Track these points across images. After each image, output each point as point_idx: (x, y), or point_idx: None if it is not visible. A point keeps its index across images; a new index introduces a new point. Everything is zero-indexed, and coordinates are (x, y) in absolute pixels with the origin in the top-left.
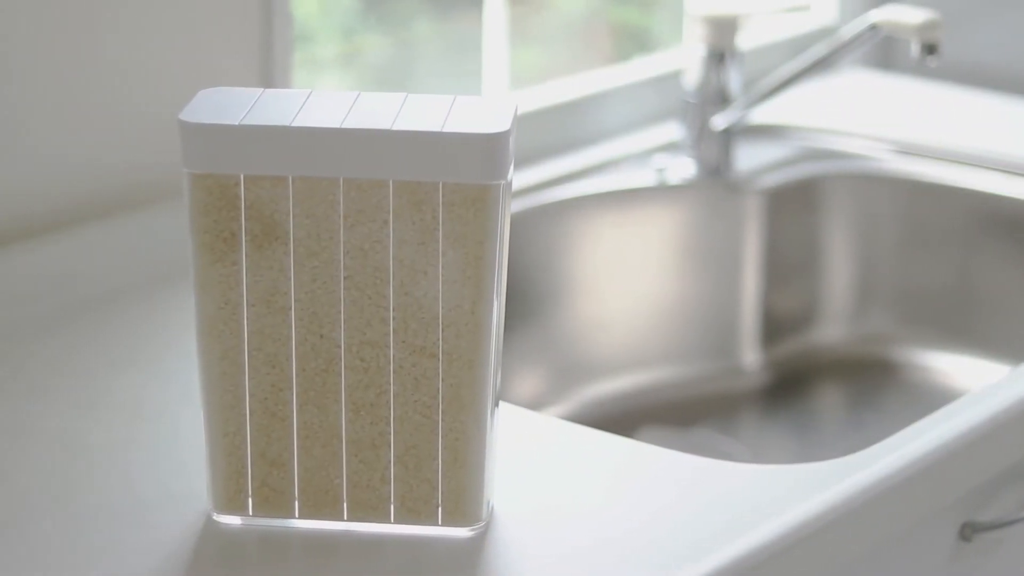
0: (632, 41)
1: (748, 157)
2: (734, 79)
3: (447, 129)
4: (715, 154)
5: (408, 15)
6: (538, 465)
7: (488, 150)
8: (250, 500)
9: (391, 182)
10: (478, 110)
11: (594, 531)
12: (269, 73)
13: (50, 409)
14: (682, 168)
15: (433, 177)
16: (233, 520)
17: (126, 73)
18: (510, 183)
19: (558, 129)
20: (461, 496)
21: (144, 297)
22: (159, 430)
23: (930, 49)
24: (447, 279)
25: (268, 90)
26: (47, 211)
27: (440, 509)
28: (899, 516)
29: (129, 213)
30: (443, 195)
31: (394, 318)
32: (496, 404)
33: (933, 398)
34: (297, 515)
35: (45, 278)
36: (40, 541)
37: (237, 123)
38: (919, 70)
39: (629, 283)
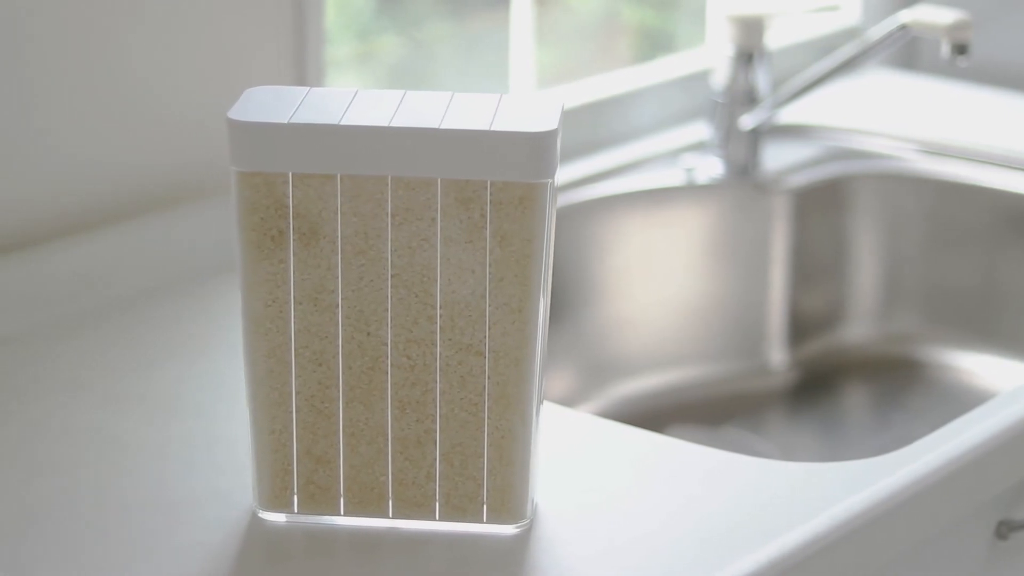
0: (647, 42)
1: (776, 157)
2: (762, 79)
3: (495, 127)
4: (743, 154)
5: (423, 15)
6: (576, 461)
7: (536, 148)
8: (295, 497)
9: (439, 180)
10: (525, 108)
11: (637, 528)
12: (302, 71)
13: (88, 406)
14: (710, 168)
15: (481, 175)
16: (278, 517)
17: (157, 74)
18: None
19: (586, 129)
20: (506, 493)
21: (178, 295)
22: (198, 427)
23: (960, 49)
24: (494, 277)
25: (314, 88)
26: (80, 210)
27: (485, 507)
28: (936, 515)
29: (161, 212)
30: (491, 193)
31: (441, 316)
32: (541, 402)
33: (959, 397)
34: (342, 512)
35: (79, 276)
36: (85, 537)
37: (285, 121)
38: (941, 70)
39: (657, 282)
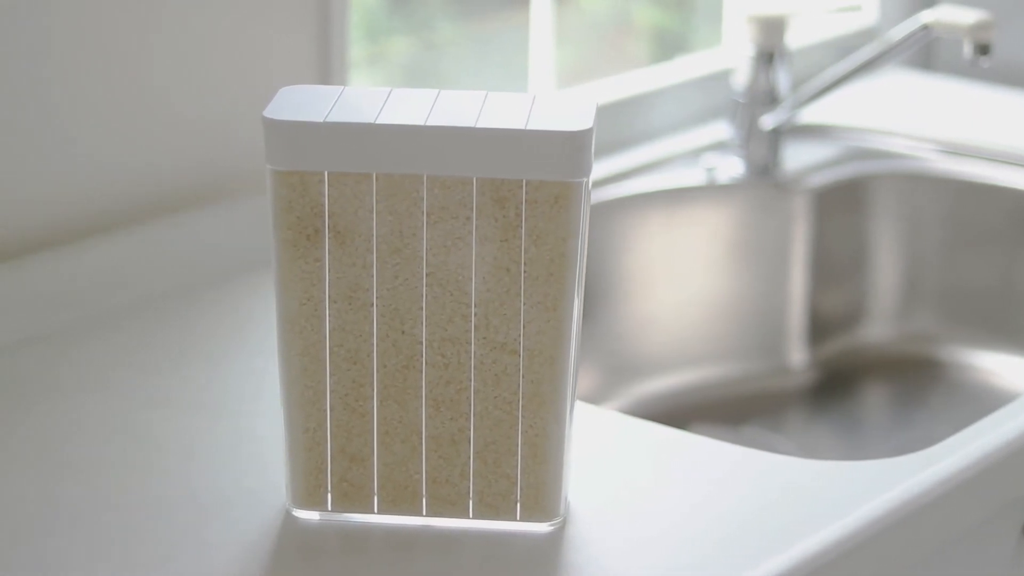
0: (659, 42)
1: (796, 157)
2: (783, 79)
3: (531, 127)
4: (763, 154)
5: (435, 16)
6: (605, 458)
7: (572, 147)
8: (329, 495)
9: (474, 179)
10: (559, 108)
11: (668, 524)
12: (326, 71)
13: (116, 406)
14: (731, 167)
15: (516, 174)
16: (312, 515)
17: (180, 74)
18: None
19: (606, 129)
20: (540, 491)
21: (204, 295)
22: (227, 426)
23: (983, 49)
24: (529, 276)
25: (349, 87)
26: (106, 210)
27: (519, 505)
28: (962, 514)
29: (186, 213)
30: (526, 192)
31: (475, 314)
32: (574, 400)
33: (978, 397)
34: (376, 510)
35: (106, 277)
36: (119, 535)
37: (321, 120)
38: (958, 70)
39: (678, 282)
